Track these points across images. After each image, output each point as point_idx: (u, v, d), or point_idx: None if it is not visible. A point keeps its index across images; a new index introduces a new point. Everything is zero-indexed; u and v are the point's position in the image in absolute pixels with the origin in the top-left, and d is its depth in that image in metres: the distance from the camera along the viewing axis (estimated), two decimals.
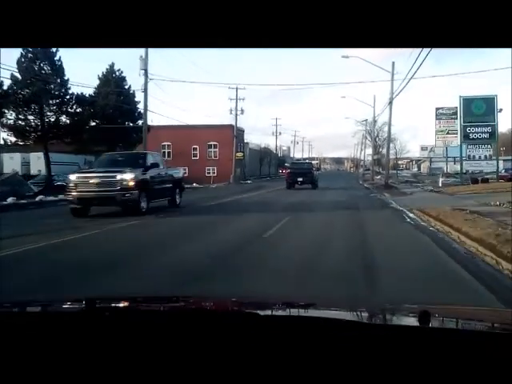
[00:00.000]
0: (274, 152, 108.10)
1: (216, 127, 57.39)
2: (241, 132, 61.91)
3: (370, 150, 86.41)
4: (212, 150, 59.45)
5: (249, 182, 54.13)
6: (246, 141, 70.73)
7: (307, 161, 58.85)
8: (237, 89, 51.21)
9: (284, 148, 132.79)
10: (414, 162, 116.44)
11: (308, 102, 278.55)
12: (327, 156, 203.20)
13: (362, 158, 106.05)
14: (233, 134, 55.04)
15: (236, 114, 52.12)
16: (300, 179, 32.71)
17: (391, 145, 77.38)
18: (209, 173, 56.76)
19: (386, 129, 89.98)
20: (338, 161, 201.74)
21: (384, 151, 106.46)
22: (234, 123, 54.69)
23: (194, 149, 59.13)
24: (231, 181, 50.18)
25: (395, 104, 35.53)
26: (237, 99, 51.74)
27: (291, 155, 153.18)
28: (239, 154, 56.58)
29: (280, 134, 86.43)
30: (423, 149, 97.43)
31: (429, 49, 20.03)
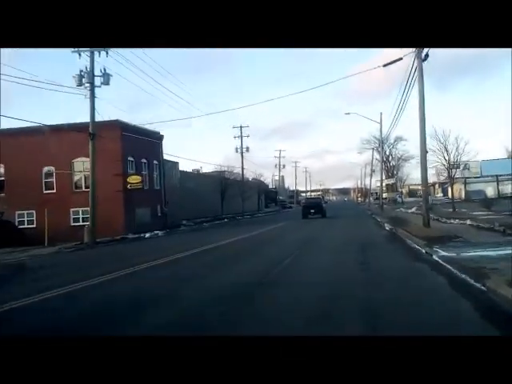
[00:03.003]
0: (261, 181, 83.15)
1: (86, 127, 26.84)
2: (153, 141, 33.61)
3: (379, 176, 61.73)
4: (82, 173, 29.70)
5: (148, 235, 26.03)
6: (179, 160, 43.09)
7: (317, 195, 70.88)
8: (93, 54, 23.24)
9: (276, 178, 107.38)
10: (437, 186, 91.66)
11: (310, 134, 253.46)
12: (332, 187, 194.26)
13: (373, 184, 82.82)
14: (122, 139, 27.39)
15: (92, 89, 23.53)
16: (312, 210, 41.33)
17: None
18: (77, 219, 28.74)
19: (399, 146, 66.15)
20: (344, 191, 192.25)
21: (399, 174, 79.40)
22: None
23: (48, 174, 30.14)
24: (86, 239, 22.02)
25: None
26: (92, 62, 23.61)
27: (285, 186, 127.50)
28: (133, 180, 28.37)
29: (248, 150, 57.97)
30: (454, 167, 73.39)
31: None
